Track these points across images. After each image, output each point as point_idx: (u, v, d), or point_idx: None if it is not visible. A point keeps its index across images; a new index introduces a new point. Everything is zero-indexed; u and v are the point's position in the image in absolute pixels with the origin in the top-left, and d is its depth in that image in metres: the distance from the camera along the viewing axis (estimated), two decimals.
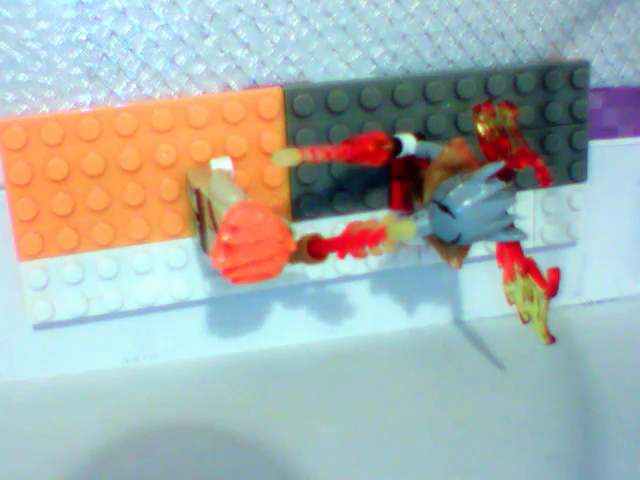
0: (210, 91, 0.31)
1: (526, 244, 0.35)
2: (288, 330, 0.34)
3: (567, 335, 0.34)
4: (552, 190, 0.35)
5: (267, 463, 0.27)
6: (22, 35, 0.28)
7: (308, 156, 0.26)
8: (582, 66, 0.34)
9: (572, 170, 0.35)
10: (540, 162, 0.26)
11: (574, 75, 0.33)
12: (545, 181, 0.26)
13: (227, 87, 0.31)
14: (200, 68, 0.30)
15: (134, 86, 0.30)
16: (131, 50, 0.30)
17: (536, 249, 0.35)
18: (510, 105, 0.27)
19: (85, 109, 0.29)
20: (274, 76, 0.31)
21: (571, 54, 0.35)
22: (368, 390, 0.31)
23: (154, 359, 0.33)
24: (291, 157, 0.26)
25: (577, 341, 0.34)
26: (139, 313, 0.32)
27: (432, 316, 0.36)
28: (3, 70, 0.29)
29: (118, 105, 0.30)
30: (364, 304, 0.35)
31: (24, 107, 0.29)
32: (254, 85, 0.31)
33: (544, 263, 0.28)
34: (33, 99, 0.29)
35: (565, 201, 0.35)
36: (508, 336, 0.34)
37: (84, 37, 0.29)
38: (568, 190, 0.35)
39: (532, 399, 0.30)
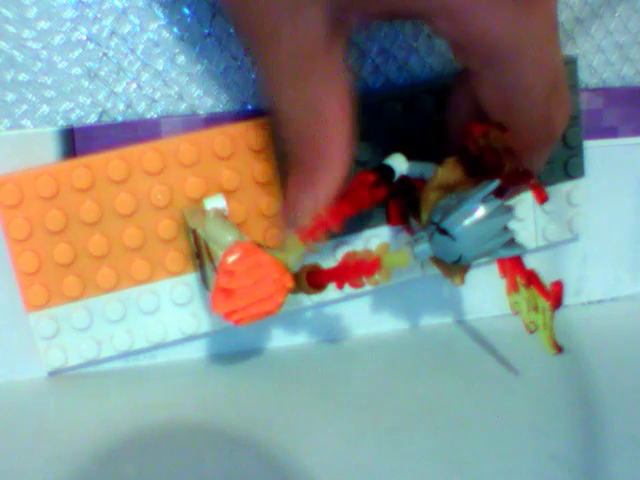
0: (210, 91, 0.31)
1: (530, 244, 0.35)
2: (288, 330, 0.34)
3: (567, 335, 0.34)
4: (550, 189, 0.35)
5: (267, 463, 0.27)
6: (22, 35, 0.28)
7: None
8: (569, 62, 0.33)
9: (568, 166, 0.35)
10: (534, 180, 0.26)
11: None
12: (540, 199, 0.26)
13: (227, 86, 0.31)
14: (200, 68, 0.30)
15: (134, 86, 0.30)
16: (131, 50, 0.30)
17: (539, 249, 0.35)
18: (501, 127, 0.27)
19: (75, 160, 0.29)
20: None
21: (571, 54, 0.34)
22: (368, 390, 0.31)
23: (154, 359, 0.33)
24: (296, 246, 0.26)
25: (577, 341, 0.34)
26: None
27: (432, 315, 0.36)
28: (3, 70, 0.29)
29: (107, 152, 0.29)
30: (364, 304, 0.35)
31: (24, 107, 0.29)
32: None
33: (546, 263, 0.28)
34: (33, 99, 0.29)
35: (564, 198, 0.35)
36: (508, 336, 0.34)
37: (84, 37, 0.29)
38: (566, 187, 0.35)
39: (532, 399, 0.30)
